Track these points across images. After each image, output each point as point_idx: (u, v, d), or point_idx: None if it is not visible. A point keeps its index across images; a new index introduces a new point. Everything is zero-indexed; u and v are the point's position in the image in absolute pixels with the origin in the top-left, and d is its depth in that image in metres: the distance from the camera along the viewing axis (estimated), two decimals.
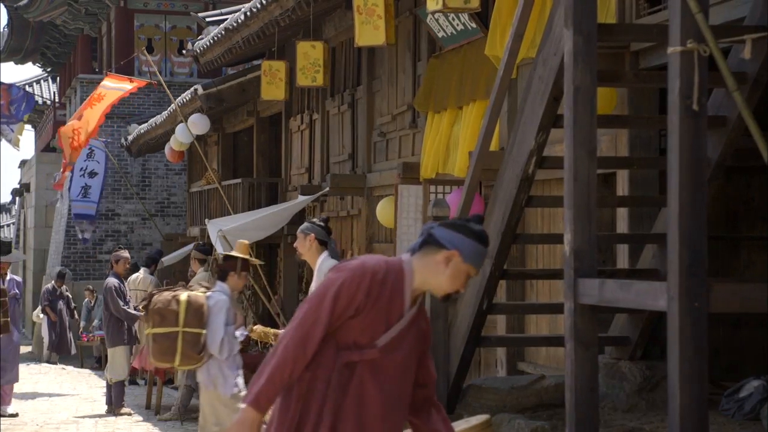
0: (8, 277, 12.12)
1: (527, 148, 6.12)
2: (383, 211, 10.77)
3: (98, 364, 18.64)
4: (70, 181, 21.79)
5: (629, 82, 6.41)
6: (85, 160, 21.51)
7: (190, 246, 19.31)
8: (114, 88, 16.70)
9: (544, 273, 7.13)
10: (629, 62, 7.11)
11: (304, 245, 6.87)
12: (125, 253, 12.89)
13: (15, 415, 11.70)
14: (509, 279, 6.95)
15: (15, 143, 29.77)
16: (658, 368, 6.72)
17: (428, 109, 10.46)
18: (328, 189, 12.38)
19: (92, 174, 22.13)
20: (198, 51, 15.22)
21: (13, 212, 52.98)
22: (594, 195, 5.42)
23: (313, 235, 6.82)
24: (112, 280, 12.27)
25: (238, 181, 16.54)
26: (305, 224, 6.96)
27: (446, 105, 10.07)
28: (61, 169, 19.71)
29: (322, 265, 6.80)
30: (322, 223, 6.92)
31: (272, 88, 13.16)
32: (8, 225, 49.01)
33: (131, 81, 17.16)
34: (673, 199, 4.41)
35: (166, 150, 19.55)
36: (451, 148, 9.92)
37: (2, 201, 53.04)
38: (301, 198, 13.31)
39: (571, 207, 5.38)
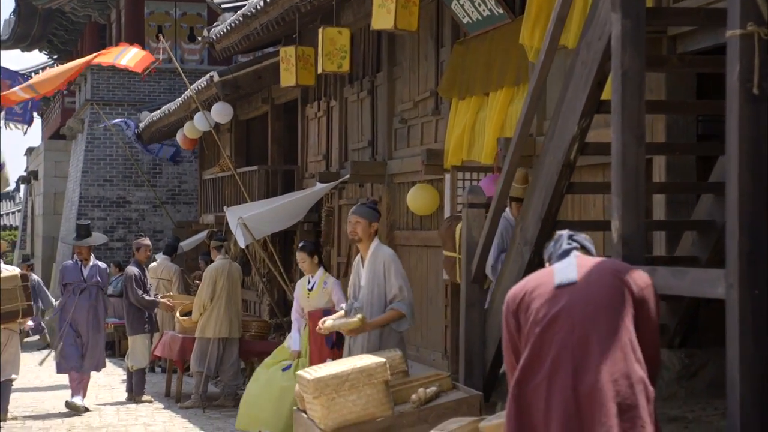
0: (91, 263, 11.64)
1: (569, 134, 6.05)
2: (417, 198, 10.72)
3: (110, 351, 18.58)
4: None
5: (674, 66, 6.33)
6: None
7: (203, 233, 19.30)
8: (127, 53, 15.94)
9: None
10: (666, 47, 7.04)
11: (368, 231, 6.89)
12: (146, 241, 12.86)
13: (83, 410, 11.18)
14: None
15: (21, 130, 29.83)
16: (697, 356, 6.66)
17: (452, 96, 10.39)
18: (348, 176, 12.31)
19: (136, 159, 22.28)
20: (214, 38, 15.12)
21: (17, 200, 53.00)
22: (643, 181, 5.37)
23: (376, 223, 6.89)
24: (132, 269, 12.24)
25: (254, 168, 16.46)
26: (364, 209, 6.94)
27: (472, 91, 10.00)
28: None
29: (377, 251, 6.79)
30: (377, 208, 7.00)
31: (289, 74, 13.06)
32: (12, 213, 48.99)
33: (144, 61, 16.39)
34: (732, 185, 4.35)
35: (179, 137, 19.47)
36: (476, 135, 9.86)
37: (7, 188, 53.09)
38: (319, 185, 13.24)
39: (619, 194, 5.32)
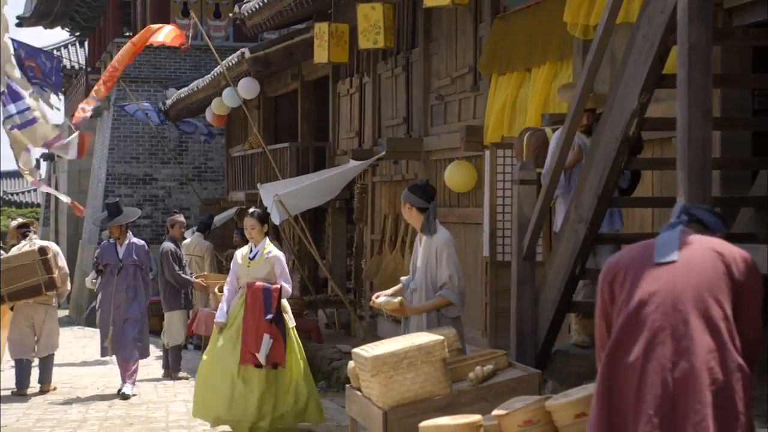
0: (127, 241, 10.93)
1: (629, 108, 5.95)
2: (455, 175, 10.65)
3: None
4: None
5: (738, 39, 6.23)
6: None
7: (232, 210, 19.28)
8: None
9: (638, 236, 6.96)
10: (722, 20, 6.94)
11: (408, 214, 6.78)
12: (181, 218, 12.82)
13: (127, 396, 10.53)
14: (603, 243, 6.80)
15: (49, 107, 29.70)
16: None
17: (492, 72, 10.29)
18: (384, 153, 12.24)
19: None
20: (245, 14, 15.04)
21: (38, 177, 53.17)
22: (709, 157, 5.29)
23: (409, 204, 6.74)
24: (168, 245, 12.20)
25: (285, 145, 16.41)
26: (408, 194, 6.81)
27: (513, 67, 9.90)
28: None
29: (435, 234, 6.69)
30: (421, 188, 6.80)
31: (321, 51, 12.97)
32: (33, 190, 49.05)
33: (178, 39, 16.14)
34: None
35: (208, 114, 19.42)
36: (518, 111, 9.77)
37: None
38: (353, 163, 13.18)
39: (685, 169, 5.25)
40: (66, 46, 36.87)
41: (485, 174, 10.36)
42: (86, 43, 34.68)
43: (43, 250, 10.74)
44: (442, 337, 5.86)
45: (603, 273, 3.78)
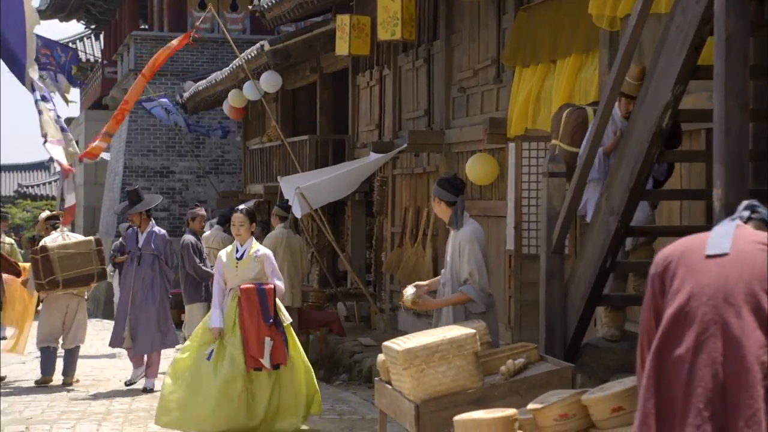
0: (148, 229, 10.74)
1: (662, 100, 5.91)
2: (476, 167, 10.61)
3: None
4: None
5: None
6: (167, 118, 21.39)
7: (250, 203, 19.24)
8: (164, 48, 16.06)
9: (671, 230, 6.93)
10: (753, 12, 6.86)
11: (437, 208, 6.75)
12: (201, 211, 12.82)
13: (148, 391, 10.35)
14: (634, 236, 6.76)
15: (64, 100, 29.74)
16: None
17: (516, 64, 10.24)
18: (405, 145, 12.20)
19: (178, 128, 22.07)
20: (265, 6, 15.01)
21: (53, 170, 53.25)
22: (747, 148, 5.25)
23: (438, 198, 6.69)
24: (189, 237, 12.19)
25: (305, 138, 16.38)
26: (437, 187, 6.79)
27: (537, 59, 9.85)
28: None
29: (456, 234, 6.65)
30: (450, 182, 6.76)
31: (343, 43, 12.93)
32: (48, 183, 49.15)
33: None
34: None
35: (226, 107, 19.41)
36: (542, 103, 9.71)
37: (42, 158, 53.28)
38: (373, 155, 13.14)
39: (722, 162, 5.20)
40: (81, 39, 36.92)
41: (509, 166, 10.32)
42: (102, 36, 34.72)
43: (98, 241, 10.97)
44: (474, 331, 5.82)
45: (655, 264, 3.73)
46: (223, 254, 8.30)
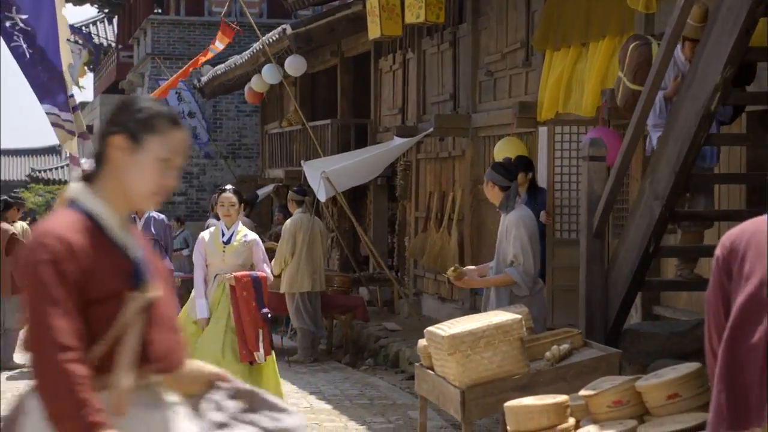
0: (146, 214, 10.15)
1: (711, 82, 5.82)
2: (504, 151, 10.52)
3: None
4: None
5: None
6: (177, 105, 21.31)
7: (269, 188, 19.21)
8: (213, 50, 16.33)
9: (718, 214, 6.85)
10: None
11: (490, 192, 6.72)
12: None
13: None
14: (679, 221, 6.68)
15: (77, 83, 29.58)
16: None
17: (546, 47, 10.14)
18: (431, 129, 12.11)
19: (191, 114, 21.96)
20: None
21: (64, 155, 53.26)
22: None
23: (492, 182, 6.66)
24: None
25: (327, 122, 16.29)
26: (489, 170, 6.77)
27: (568, 42, 9.75)
28: None
29: (505, 218, 6.62)
30: (504, 167, 6.74)
31: (374, 26, 12.76)
32: (60, 167, 49.15)
33: (227, 35, 16.41)
34: None
35: (246, 91, 19.32)
36: (574, 87, 9.62)
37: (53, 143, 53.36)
38: (397, 140, 13.07)
39: None
40: (95, 23, 36.84)
41: (539, 150, 10.23)
42: (115, 20, 34.64)
43: None
44: (520, 316, 5.76)
45: (720, 249, 3.64)
46: (206, 237, 7.68)
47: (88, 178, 2.87)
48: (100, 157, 2.88)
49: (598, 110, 8.85)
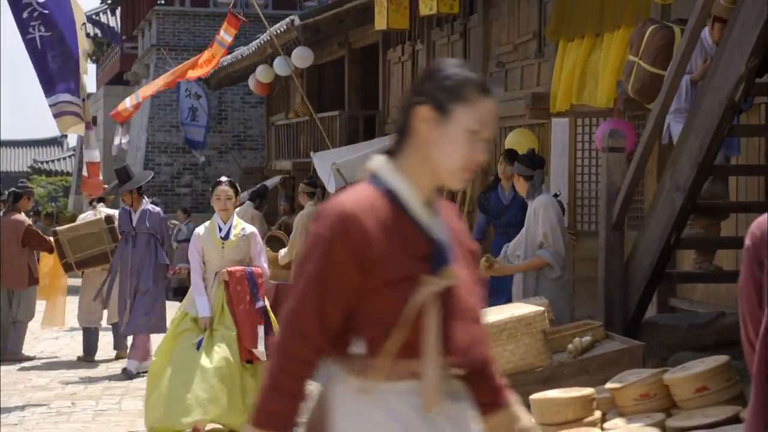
0: (141, 208, 9.97)
1: (735, 74, 5.78)
2: (515, 143, 10.49)
3: (182, 297, 18.54)
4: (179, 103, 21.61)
5: None
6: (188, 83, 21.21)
7: (275, 179, 19.16)
8: (221, 42, 16.09)
9: (738, 205, 6.82)
10: None
11: (516, 183, 6.78)
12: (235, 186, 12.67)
13: (131, 374, 9.71)
14: (700, 212, 6.64)
15: (84, 70, 29.46)
16: None
17: (560, 38, 10.09)
18: None
19: (197, 96, 21.87)
20: None
21: (65, 146, 53.15)
22: None
23: (517, 173, 6.70)
24: None
25: (335, 113, 16.24)
26: (516, 163, 6.84)
27: (582, 32, 9.70)
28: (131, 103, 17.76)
29: (537, 198, 6.63)
30: (527, 157, 6.77)
31: (381, 17, 12.74)
32: (62, 159, 49.09)
33: (234, 25, 16.17)
34: None
35: (251, 82, 19.28)
36: (588, 78, 9.56)
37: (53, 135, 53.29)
38: None
39: None
40: (98, 15, 36.75)
41: (552, 141, 10.20)
42: (119, 11, 34.54)
43: (109, 219, 10.75)
44: (542, 308, 5.73)
45: (749, 235, 3.55)
46: (203, 233, 7.15)
47: (390, 151, 2.63)
48: (403, 130, 2.64)
49: (613, 101, 8.81)
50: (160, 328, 9.88)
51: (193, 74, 15.39)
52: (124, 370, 9.83)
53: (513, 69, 11.42)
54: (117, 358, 10.80)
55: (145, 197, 10.26)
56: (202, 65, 15.41)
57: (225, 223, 7.13)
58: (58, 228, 10.78)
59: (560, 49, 10.05)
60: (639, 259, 6.68)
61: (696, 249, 6.96)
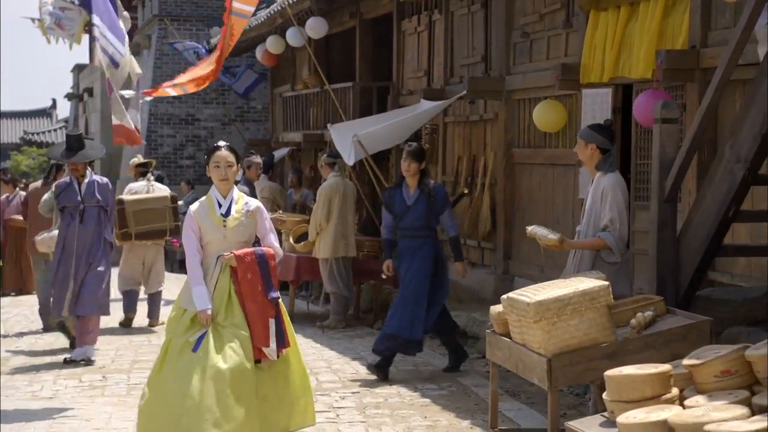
0: (87, 179, 9.34)
1: None
2: (544, 114, 10.36)
3: (181, 267, 18.36)
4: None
5: None
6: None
7: (283, 151, 19.00)
8: (239, 13, 15.47)
9: None
10: None
11: (586, 153, 6.52)
12: (257, 158, 12.56)
13: (86, 362, 9.15)
14: (761, 184, 6.52)
15: (77, 40, 29.07)
16: None
17: (591, 7, 9.91)
18: (465, 92, 11.88)
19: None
20: None
21: (55, 117, 52.68)
22: None
23: (594, 144, 6.48)
24: (243, 189, 11.89)
25: (348, 84, 16.03)
26: (585, 129, 6.61)
27: (617, 1, 9.52)
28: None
29: (604, 176, 6.45)
30: (606, 129, 6.56)
31: None
32: (54, 130, 48.68)
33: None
34: None
35: (259, 53, 19.04)
36: (623, 49, 9.40)
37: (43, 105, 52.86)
38: (425, 103, 12.81)
39: None
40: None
41: (582, 112, 10.05)
42: None
43: (174, 198, 11.35)
44: (607, 283, 5.60)
45: None
46: (200, 210, 5.96)
47: None
48: None
49: (651, 73, 8.66)
50: (106, 310, 9.46)
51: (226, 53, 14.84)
52: (71, 359, 9.16)
53: (538, 39, 11.24)
54: (150, 326, 11.35)
55: (90, 167, 9.52)
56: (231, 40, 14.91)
57: (225, 198, 5.99)
58: (125, 197, 11.12)
59: (591, 19, 9.87)
60: (693, 232, 6.56)
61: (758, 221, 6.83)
